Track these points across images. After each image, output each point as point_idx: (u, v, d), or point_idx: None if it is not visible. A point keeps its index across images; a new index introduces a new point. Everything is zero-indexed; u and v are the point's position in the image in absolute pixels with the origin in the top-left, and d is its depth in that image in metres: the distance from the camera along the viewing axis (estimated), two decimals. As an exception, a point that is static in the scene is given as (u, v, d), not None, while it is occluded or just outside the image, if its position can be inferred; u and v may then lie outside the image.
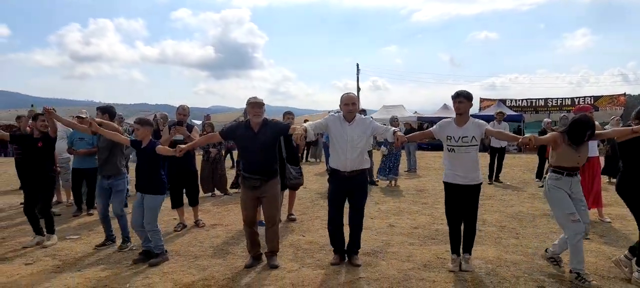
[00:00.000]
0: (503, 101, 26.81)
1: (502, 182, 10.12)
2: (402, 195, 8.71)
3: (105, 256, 4.97)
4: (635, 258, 4.04)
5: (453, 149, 4.20)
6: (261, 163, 4.35)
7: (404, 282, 4.02)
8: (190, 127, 6.09)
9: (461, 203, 4.25)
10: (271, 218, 4.45)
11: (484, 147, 21.10)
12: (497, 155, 10.52)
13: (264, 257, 4.59)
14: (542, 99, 27.86)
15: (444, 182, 4.33)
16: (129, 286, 4.02)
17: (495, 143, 10.53)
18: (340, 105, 4.46)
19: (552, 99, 27.64)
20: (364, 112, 10.53)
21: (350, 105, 4.36)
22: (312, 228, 6.08)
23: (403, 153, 11.33)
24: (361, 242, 4.60)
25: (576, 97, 27.09)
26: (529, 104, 27.61)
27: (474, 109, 28.55)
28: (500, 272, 4.23)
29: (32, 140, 5.37)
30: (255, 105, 4.33)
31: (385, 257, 4.73)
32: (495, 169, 10.36)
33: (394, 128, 4.47)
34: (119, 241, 5.31)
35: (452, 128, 4.21)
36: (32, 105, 6.99)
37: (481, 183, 4.26)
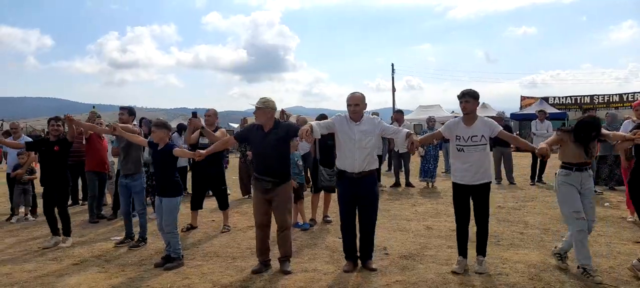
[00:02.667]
0: (545, 99, 25.93)
1: (545, 183, 9.75)
2: (440, 197, 8.55)
3: (148, 257, 5.12)
4: None
5: (462, 149, 4.17)
6: (272, 164, 4.34)
7: (443, 285, 3.94)
8: (216, 129, 6.21)
9: (469, 204, 4.26)
10: (282, 223, 4.40)
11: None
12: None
13: (276, 262, 4.52)
14: (587, 95, 26.70)
15: (453, 183, 4.30)
16: (170, 286, 4.13)
17: (538, 142, 10.14)
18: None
19: (598, 95, 26.45)
20: (377, 114, 10.42)
21: (353, 106, 4.26)
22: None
23: (440, 154, 11.10)
24: (397, 244, 4.54)
25: (624, 93, 25.80)
26: (573, 101, 26.55)
27: (516, 107, 27.71)
28: (544, 277, 4.07)
29: (49, 144, 5.64)
30: (258, 109, 4.34)
31: (423, 260, 4.64)
32: (537, 170, 9.99)
33: (406, 130, 4.39)
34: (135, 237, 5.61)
35: (461, 128, 4.18)
36: (93, 107, 7.43)
37: (490, 182, 4.27)
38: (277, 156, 4.36)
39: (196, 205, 6.43)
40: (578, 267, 4.03)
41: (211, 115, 6.46)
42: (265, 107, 4.36)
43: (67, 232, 5.78)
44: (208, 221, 6.72)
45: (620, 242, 5.18)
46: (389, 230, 6.03)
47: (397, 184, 9.92)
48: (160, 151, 4.78)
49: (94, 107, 11.19)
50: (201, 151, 4.67)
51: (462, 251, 4.31)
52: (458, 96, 4.19)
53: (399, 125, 9.90)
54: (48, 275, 4.57)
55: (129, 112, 5.96)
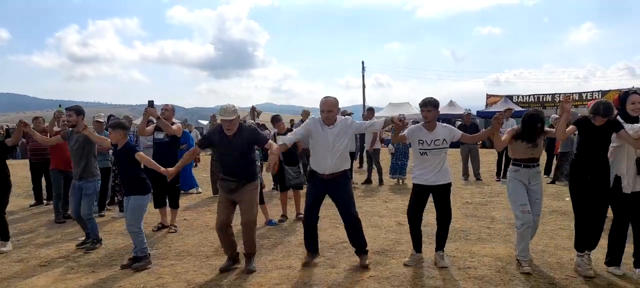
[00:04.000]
0: (510, 97, 26.71)
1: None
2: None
3: (119, 257, 5.04)
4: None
5: (425, 152, 4.35)
6: (238, 167, 4.34)
7: (415, 279, 4.06)
8: (172, 125, 6.20)
9: (424, 205, 4.47)
10: (247, 222, 4.37)
11: (491, 143, 21.04)
12: (506, 152, 10.47)
13: (241, 258, 4.56)
14: (549, 94, 27.70)
15: (414, 183, 4.49)
16: (144, 286, 4.08)
17: (503, 140, 10.51)
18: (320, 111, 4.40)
19: (559, 93, 27.45)
20: (348, 113, 10.56)
21: (326, 112, 4.28)
22: (321, 227, 6.06)
23: (410, 151, 11.31)
24: (369, 241, 4.61)
25: (584, 92, 26.92)
26: (535, 99, 27.47)
27: (481, 105, 28.46)
28: (510, 270, 4.24)
29: None
30: (224, 121, 4.27)
31: (395, 255, 4.76)
32: (503, 166, 10.32)
33: (381, 119, 4.66)
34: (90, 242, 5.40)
35: (423, 133, 4.36)
36: (59, 106, 7.17)
37: (450, 183, 4.45)
38: (242, 160, 4.35)
39: (159, 203, 6.36)
40: (517, 260, 4.29)
41: (168, 110, 6.33)
42: (233, 117, 4.26)
43: (4, 237, 5.43)
44: (180, 219, 6.65)
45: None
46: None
47: (368, 181, 10.05)
48: (119, 151, 4.71)
49: (60, 105, 10.87)
50: (170, 169, 4.60)
51: (417, 246, 4.51)
52: (420, 104, 4.39)
53: None
54: (13, 277, 4.44)
55: (76, 112, 5.54)
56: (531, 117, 4.26)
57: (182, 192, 8.42)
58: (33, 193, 8.47)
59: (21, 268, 4.73)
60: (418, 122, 4.72)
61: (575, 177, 4.17)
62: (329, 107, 4.29)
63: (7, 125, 27.87)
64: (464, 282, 3.97)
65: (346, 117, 4.61)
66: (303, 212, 6.62)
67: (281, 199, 6.89)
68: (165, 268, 4.58)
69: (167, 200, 6.36)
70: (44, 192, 8.52)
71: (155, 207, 6.41)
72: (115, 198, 7.76)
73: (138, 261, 4.60)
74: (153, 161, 4.84)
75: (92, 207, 5.49)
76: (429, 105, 4.31)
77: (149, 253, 4.74)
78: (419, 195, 4.44)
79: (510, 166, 4.43)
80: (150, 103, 5.96)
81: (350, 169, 6.46)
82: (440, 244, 4.46)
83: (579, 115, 4.71)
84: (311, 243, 4.58)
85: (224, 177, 4.40)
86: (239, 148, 4.31)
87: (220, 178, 4.47)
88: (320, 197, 4.49)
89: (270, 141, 4.68)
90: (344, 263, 4.58)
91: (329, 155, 4.29)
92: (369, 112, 10.54)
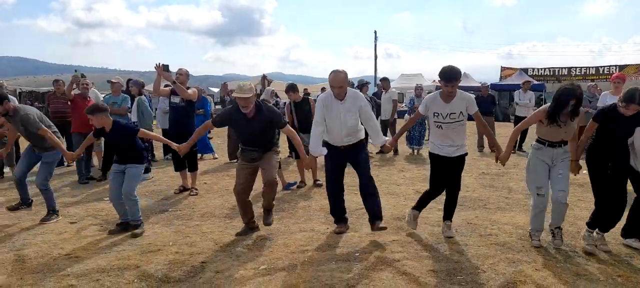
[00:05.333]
0: (525, 70, 26.34)
1: (525, 151, 10.07)
2: (427, 163, 8.70)
3: (145, 216, 5.15)
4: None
5: (440, 126, 4.12)
6: (259, 142, 4.36)
7: (437, 245, 4.14)
8: (188, 88, 6.24)
9: (446, 173, 4.29)
10: (270, 182, 4.36)
11: (505, 115, 20.74)
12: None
13: (260, 226, 4.61)
14: (565, 67, 27.30)
15: (430, 153, 4.35)
16: (173, 243, 4.21)
17: (521, 111, 10.45)
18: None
19: (575, 67, 27.06)
20: (365, 83, 10.48)
21: (336, 88, 4.19)
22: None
23: (427, 122, 11.30)
24: (389, 207, 4.67)
25: (601, 66, 26.46)
26: (551, 73, 27.09)
27: (495, 77, 28.13)
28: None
29: None
30: (240, 99, 4.14)
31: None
32: (518, 139, 10.31)
33: (384, 138, 4.52)
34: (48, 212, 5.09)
35: (439, 104, 4.08)
36: (75, 71, 7.22)
37: (466, 154, 4.29)
38: (263, 135, 4.37)
39: (179, 166, 6.45)
40: (529, 234, 4.17)
41: (182, 74, 6.27)
42: (249, 95, 4.15)
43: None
44: (200, 183, 6.77)
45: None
46: (379, 194, 6.19)
47: (382, 151, 10.05)
48: (112, 133, 4.53)
49: (76, 70, 10.92)
50: (182, 145, 4.56)
51: (420, 207, 4.50)
52: (443, 78, 3.95)
53: (385, 93, 10.04)
54: (47, 232, 4.59)
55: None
56: (566, 91, 3.73)
57: (199, 156, 8.55)
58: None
59: (52, 226, 4.88)
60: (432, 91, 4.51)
61: (595, 163, 3.99)
62: (340, 83, 4.16)
63: (20, 89, 28.11)
64: (486, 248, 4.04)
65: (356, 91, 4.46)
66: (320, 179, 6.74)
67: (298, 166, 6.97)
68: (191, 228, 4.70)
69: (186, 163, 6.46)
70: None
71: (176, 170, 6.55)
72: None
73: (132, 228, 4.51)
74: (160, 136, 4.81)
75: (48, 177, 5.10)
76: (454, 80, 3.93)
77: (142, 222, 4.62)
78: (436, 164, 4.31)
79: (534, 143, 4.07)
80: (165, 67, 5.97)
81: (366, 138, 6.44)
82: (447, 214, 4.42)
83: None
84: (337, 213, 4.58)
85: (245, 147, 4.40)
86: (258, 128, 4.29)
87: (240, 149, 4.47)
88: (340, 166, 4.48)
89: (288, 127, 4.57)
90: (366, 227, 4.67)
91: (342, 129, 4.27)
92: (384, 82, 10.43)
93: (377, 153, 9.96)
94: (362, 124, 4.39)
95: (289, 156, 9.34)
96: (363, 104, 4.31)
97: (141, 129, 4.73)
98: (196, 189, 6.39)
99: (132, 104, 7.74)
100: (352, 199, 5.79)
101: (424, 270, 3.56)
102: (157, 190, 6.51)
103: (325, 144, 4.44)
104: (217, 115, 4.85)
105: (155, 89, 6.27)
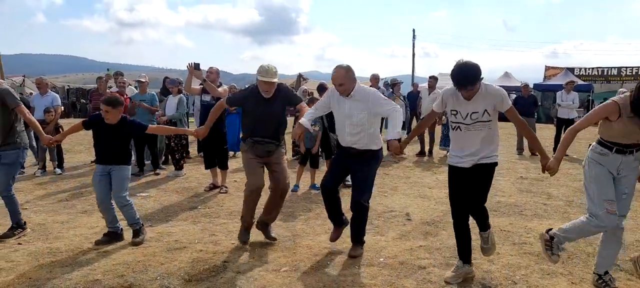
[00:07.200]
0: (570, 69, 25.19)
1: (567, 155, 9.58)
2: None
3: (174, 212, 5.25)
4: None
5: (459, 127, 3.30)
6: (274, 130, 4.18)
7: (466, 252, 3.96)
8: (219, 86, 6.28)
9: (467, 190, 3.36)
10: (285, 186, 4.16)
11: (548, 117, 19.93)
12: (564, 128, 9.96)
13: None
14: (614, 67, 25.88)
15: (448, 165, 3.48)
16: (198, 241, 4.23)
17: (563, 113, 9.99)
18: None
19: (626, 67, 25.61)
20: (398, 82, 10.19)
21: (337, 86, 3.80)
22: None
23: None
24: (419, 211, 4.47)
25: (654, 66, 24.97)
26: (599, 73, 25.78)
27: (539, 77, 27.08)
28: (568, 248, 4.04)
29: None
30: (266, 83, 4.01)
31: (446, 227, 4.65)
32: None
33: (397, 133, 3.66)
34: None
35: (458, 101, 3.24)
36: (108, 70, 7.46)
37: (496, 163, 3.36)
38: (278, 122, 4.22)
39: (209, 164, 6.55)
40: (549, 233, 3.37)
41: (213, 72, 6.40)
42: (276, 79, 4.06)
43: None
44: (230, 181, 6.81)
45: (646, 216, 5.12)
46: (410, 196, 6.06)
47: (422, 153, 9.69)
48: (114, 126, 4.20)
49: (108, 69, 11.25)
50: (199, 129, 4.51)
51: (463, 254, 3.45)
52: (455, 84, 3.17)
53: (431, 91, 9.70)
54: (80, 226, 4.72)
55: None
56: None
57: (231, 154, 8.63)
58: (93, 149, 8.91)
59: (86, 219, 5.03)
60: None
61: None
62: (339, 81, 3.76)
63: (69, 86, 29.45)
64: (520, 257, 3.84)
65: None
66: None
67: (328, 167, 6.85)
68: (218, 227, 4.72)
69: (216, 161, 6.54)
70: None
71: (206, 168, 6.65)
72: (170, 158, 8.07)
73: (135, 235, 4.23)
74: (170, 127, 4.76)
75: (10, 181, 4.41)
76: (468, 85, 3.08)
77: (142, 224, 4.35)
78: (455, 179, 3.40)
79: (596, 146, 3.21)
80: (196, 66, 6.06)
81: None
82: (482, 226, 3.53)
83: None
84: (332, 215, 4.09)
85: (259, 139, 4.15)
86: (277, 109, 4.16)
87: (252, 141, 4.15)
88: (341, 168, 4.01)
89: (303, 103, 4.46)
90: (392, 232, 4.55)
91: (347, 124, 3.84)
92: (432, 80, 9.98)
93: (416, 155, 9.65)
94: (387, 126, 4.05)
95: (294, 158, 9.14)
96: (380, 110, 3.81)
97: (149, 126, 4.58)
98: (226, 187, 6.44)
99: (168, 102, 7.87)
100: (380, 201, 5.67)
101: (451, 279, 3.40)
102: (188, 187, 6.60)
103: (336, 142, 4.24)
104: (233, 94, 4.69)
105: (187, 88, 6.47)
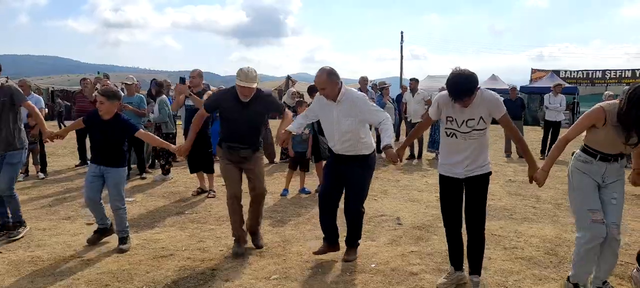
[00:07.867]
0: (556, 72, 25.51)
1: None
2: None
3: (160, 218, 5.14)
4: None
5: (454, 134, 3.17)
6: (249, 135, 4.03)
7: (458, 257, 3.93)
8: (203, 91, 6.09)
9: (461, 200, 3.29)
10: (262, 191, 4.11)
11: (534, 119, 20.10)
12: (552, 130, 10.05)
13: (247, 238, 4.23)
14: (599, 70, 26.25)
15: (439, 174, 3.36)
16: (185, 248, 4.13)
17: (551, 116, 10.07)
18: None
19: (610, 70, 26.01)
20: (385, 85, 10.24)
21: (320, 90, 3.68)
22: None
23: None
24: (409, 215, 4.45)
25: (637, 69, 25.38)
26: (584, 76, 26.12)
27: (525, 80, 27.39)
28: (559, 252, 4.05)
29: None
30: (244, 88, 3.84)
31: (437, 232, 4.62)
32: (547, 144, 9.92)
33: (389, 141, 3.51)
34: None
35: (455, 107, 3.10)
36: (98, 72, 7.36)
37: (489, 173, 3.27)
38: (254, 128, 4.07)
39: (194, 168, 6.43)
40: (569, 279, 3.23)
41: (195, 76, 6.27)
42: (255, 84, 3.91)
43: None
44: (219, 185, 6.70)
45: (633, 219, 5.14)
46: (400, 200, 6.02)
47: (412, 156, 9.63)
48: (108, 122, 4.08)
49: (98, 72, 11.11)
50: (181, 146, 4.32)
51: (455, 261, 3.41)
52: (451, 96, 3.00)
53: (413, 94, 9.73)
54: (63, 233, 4.59)
55: None
56: None
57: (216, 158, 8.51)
58: (78, 153, 8.74)
59: (69, 226, 4.89)
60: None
61: None
62: (321, 85, 3.62)
63: (53, 87, 28.96)
64: (511, 262, 3.82)
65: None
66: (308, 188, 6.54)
67: (317, 169, 6.78)
68: (206, 233, 4.63)
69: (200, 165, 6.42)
70: (89, 152, 8.79)
71: (191, 172, 6.55)
72: (156, 162, 7.94)
73: (121, 243, 4.14)
74: (159, 138, 4.70)
75: (13, 181, 4.41)
76: (464, 97, 2.95)
77: (128, 233, 4.21)
78: (447, 189, 3.30)
79: (579, 153, 3.14)
80: (182, 80, 6.02)
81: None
82: (474, 266, 3.32)
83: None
84: (326, 228, 3.94)
85: (233, 144, 4.02)
86: (254, 116, 4.00)
87: (225, 146, 4.04)
88: (336, 176, 3.83)
89: (287, 110, 4.39)
90: (383, 237, 4.50)
91: (336, 132, 3.71)
92: (413, 82, 10.00)
93: (406, 159, 9.62)
94: (377, 130, 3.81)
95: (281, 160, 9.10)
96: (369, 118, 3.68)
97: (139, 130, 4.37)
98: (214, 191, 6.34)
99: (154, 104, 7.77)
100: (371, 205, 5.63)
101: (443, 286, 3.36)
102: (175, 192, 6.49)
103: (328, 149, 4.10)
104: (208, 99, 4.54)
105: (175, 106, 6.53)
